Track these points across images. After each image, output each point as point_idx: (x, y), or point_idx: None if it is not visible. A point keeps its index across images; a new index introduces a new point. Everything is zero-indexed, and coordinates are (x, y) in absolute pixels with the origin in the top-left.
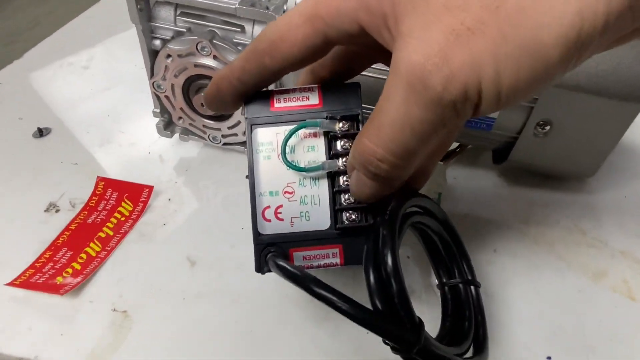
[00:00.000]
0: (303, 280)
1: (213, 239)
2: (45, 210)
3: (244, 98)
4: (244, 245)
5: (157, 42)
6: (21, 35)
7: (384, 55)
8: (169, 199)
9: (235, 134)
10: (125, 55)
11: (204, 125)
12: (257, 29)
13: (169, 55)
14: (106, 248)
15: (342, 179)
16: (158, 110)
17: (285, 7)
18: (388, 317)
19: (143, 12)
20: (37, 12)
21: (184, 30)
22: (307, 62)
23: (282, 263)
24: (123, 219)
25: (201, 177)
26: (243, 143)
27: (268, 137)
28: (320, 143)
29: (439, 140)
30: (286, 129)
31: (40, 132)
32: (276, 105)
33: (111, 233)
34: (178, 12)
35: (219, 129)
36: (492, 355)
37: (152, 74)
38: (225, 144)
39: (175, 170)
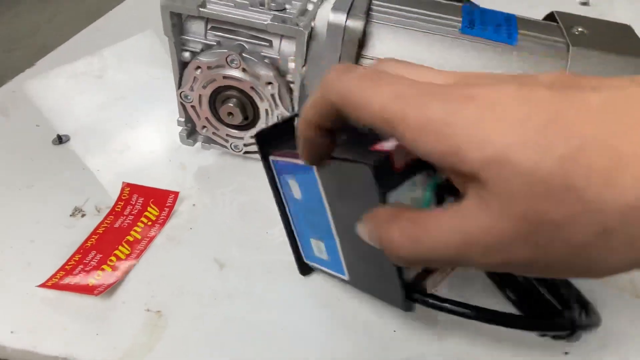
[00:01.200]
0: (473, 315)
1: (239, 243)
2: (71, 215)
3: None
4: (269, 249)
5: (187, 54)
6: (21, 42)
7: None
8: (194, 205)
9: None
10: (136, 65)
11: (227, 134)
12: (285, 44)
13: (198, 67)
14: (135, 251)
15: None
16: (182, 120)
17: (313, 24)
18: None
19: (176, 27)
20: (37, 19)
21: (214, 43)
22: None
23: (447, 305)
24: (150, 223)
25: (222, 183)
26: None
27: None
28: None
29: None
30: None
31: (60, 139)
32: (397, 165)
33: (139, 237)
34: (209, 27)
35: (241, 138)
36: None
37: (179, 85)
38: (246, 152)
39: (196, 177)
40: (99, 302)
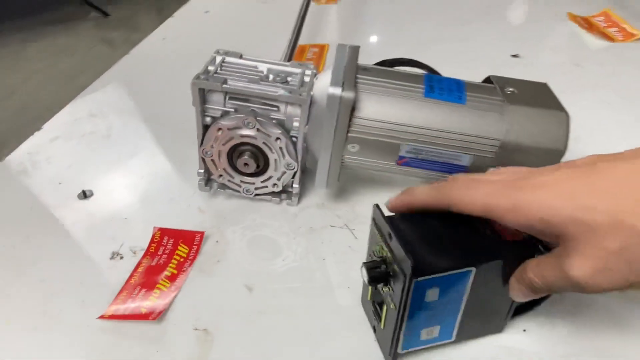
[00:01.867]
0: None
1: (262, 270)
2: (110, 258)
3: None
4: (292, 273)
5: (208, 119)
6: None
7: None
8: (217, 241)
9: (266, 186)
10: (140, 126)
11: (241, 181)
12: (290, 108)
13: (219, 129)
14: (174, 284)
15: None
16: (202, 171)
17: (312, 93)
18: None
19: (201, 98)
20: (12, 80)
21: (232, 110)
22: None
23: None
24: (182, 260)
25: (237, 222)
26: (271, 193)
27: None
28: None
29: None
30: None
31: (85, 194)
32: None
33: (175, 272)
34: (227, 97)
35: (253, 183)
36: None
37: (202, 143)
38: (256, 195)
39: (214, 218)
40: (153, 326)
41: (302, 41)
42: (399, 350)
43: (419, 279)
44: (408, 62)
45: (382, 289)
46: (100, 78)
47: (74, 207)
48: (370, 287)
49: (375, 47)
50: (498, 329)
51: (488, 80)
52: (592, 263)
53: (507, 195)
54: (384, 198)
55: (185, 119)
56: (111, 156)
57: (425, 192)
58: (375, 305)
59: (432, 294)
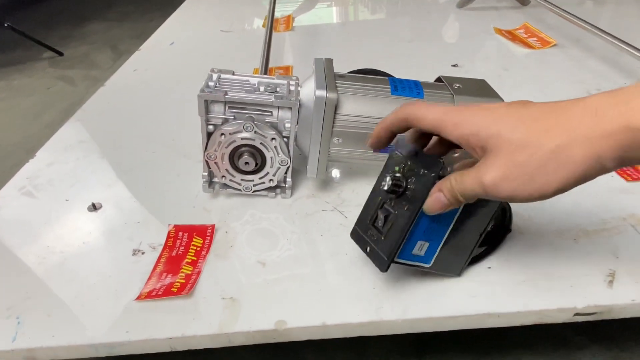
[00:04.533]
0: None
1: (271, 249)
2: (133, 255)
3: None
4: (296, 249)
5: (211, 127)
6: None
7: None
8: (226, 232)
9: (263, 182)
10: (132, 146)
11: (241, 179)
12: (281, 112)
13: (222, 134)
14: (196, 267)
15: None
16: (206, 174)
17: (300, 97)
18: None
19: (205, 108)
20: None
21: (231, 117)
22: (422, 133)
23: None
24: (199, 249)
25: (241, 215)
26: (268, 188)
27: None
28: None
29: None
30: None
31: (94, 206)
32: None
33: (194, 258)
34: (227, 107)
35: (252, 180)
36: None
37: (206, 148)
38: (254, 191)
39: (220, 215)
40: (185, 301)
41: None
42: (395, 259)
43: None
44: (371, 72)
45: (392, 203)
46: (81, 108)
47: (87, 219)
48: (370, 213)
49: (334, 64)
50: (457, 272)
51: (439, 79)
52: (501, 170)
53: (454, 114)
54: (363, 185)
55: (171, 136)
56: (110, 173)
57: (390, 115)
58: (375, 224)
59: None
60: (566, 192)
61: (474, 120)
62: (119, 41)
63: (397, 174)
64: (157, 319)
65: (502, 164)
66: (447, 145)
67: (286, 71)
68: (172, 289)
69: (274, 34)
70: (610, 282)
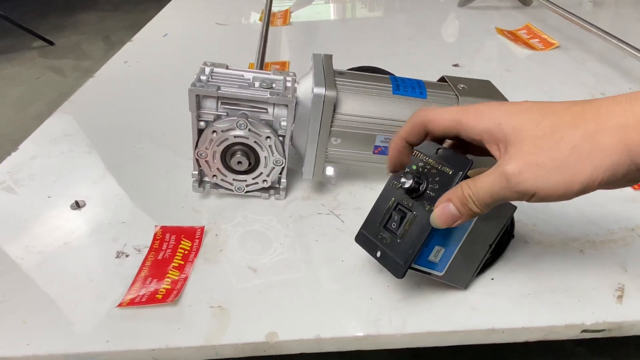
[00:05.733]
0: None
1: (263, 254)
2: (116, 257)
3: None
4: (290, 254)
5: (202, 124)
6: None
7: (472, 152)
8: (216, 234)
9: (256, 183)
10: (120, 141)
11: (233, 179)
12: (277, 110)
13: (214, 131)
14: (183, 272)
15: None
16: (196, 172)
17: (297, 94)
18: None
19: (196, 104)
20: None
21: (224, 114)
22: (439, 136)
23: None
24: (186, 252)
25: (232, 217)
26: (261, 189)
27: None
28: None
29: None
30: None
31: (77, 204)
32: None
33: (182, 262)
34: (220, 103)
35: (245, 180)
36: None
37: (196, 146)
38: (247, 191)
39: (210, 216)
40: (171, 309)
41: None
42: (413, 264)
43: (467, 172)
44: (371, 69)
45: (410, 204)
46: (69, 100)
47: (69, 217)
48: (382, 214)
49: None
50: (465, 284)
51: (442, 79)
52: (525, 158)
53: (473, 109)
54: (361, 187)
55: (161, 131)
56: (96, 169)
57: (404, 125)
58: (388, 227)
59: None
60: (571, 201)
61: (496, 113)
62: (111, 32)
63: (417, 172)
64: (139, 328)
65: (526, 151)
66: (463, 147)
67: (282, 67)
68: (157, 296)
69: (270, 28)
70: (620, 297)
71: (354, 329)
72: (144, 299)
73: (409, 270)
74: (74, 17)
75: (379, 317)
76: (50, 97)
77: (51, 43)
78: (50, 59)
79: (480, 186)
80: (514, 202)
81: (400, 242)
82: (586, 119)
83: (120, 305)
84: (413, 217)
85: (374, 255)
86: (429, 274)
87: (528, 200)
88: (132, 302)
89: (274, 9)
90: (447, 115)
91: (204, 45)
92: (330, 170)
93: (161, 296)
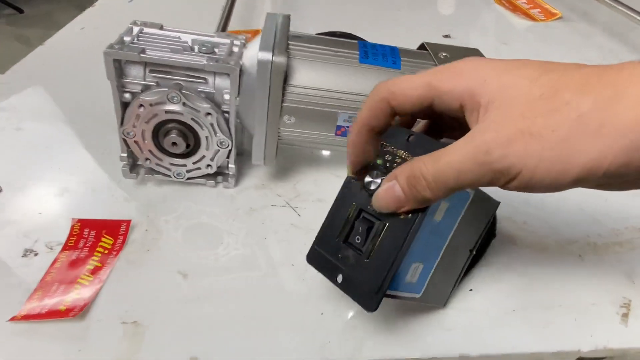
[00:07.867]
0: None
1: (199, 256)
2: (22, 256)
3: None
4: (231, 256)
5: (127, 95)
6: None
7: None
8: (146, 230)
9: (199, 168)
10: (56, 118)
11: (170, 163)
12: (219, 80)
13: (141, 105)
14: (97, 277)
15: None
16: (125, 155)
17: (241, 62)
18: None
19: (116, 71)
20: None
21: (153, 84)
22: (409, 113)
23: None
24: (106, 252)
25: (169, 210)
26: (205, 176)
27: None
28: None
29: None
30: None
31: None
32: None
33: (99, 264)
34: (148, 70)
35: (184, 165)
36: None
37: (122, 123)
38: (188, 178)
39: (142, 206)
40: (74, 324)
41: (234, 27)
42: (388, 291)
43: None
44: (342, 35)
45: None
46: (10, 70)
47: None
48: (340, 226)
49: (310, 30)
50: (443, 301)
51: (422, 47)
52: (514, 125)
53: (450, 66)
54: (326, 175)
55: (108, 110)
56: (22, 150)
57: (362, 107)
58: (350, 242)
59: (442, 210)
60: (570, 192)
61: (480, 70)
62: (87, 0)
63: (384, 168)
64: (33, 348)
65: (518, 115)
66: (439, 131)
67: (253, 36)
68: (60, 308)
69: None
70: (625, 315)
71: (296, 352)
72: (43, 311)
73: (388, 297)
74: None
75: (328, 339)
76: (9, 68)
77: (20, 11)
78: (19, 27)
79: (443, 162)
80: (490, 194)
81: (369, 262)
82: (602, 81)
83: (13, 319)
84: (383, 227)
85: (334, 281)
86: (407, 298)
87: (503, 186)
88: (28, 316)
89: None
90: (417, 81)
91: (171, 12)
92: (288, 154)
93: (65, 308)
